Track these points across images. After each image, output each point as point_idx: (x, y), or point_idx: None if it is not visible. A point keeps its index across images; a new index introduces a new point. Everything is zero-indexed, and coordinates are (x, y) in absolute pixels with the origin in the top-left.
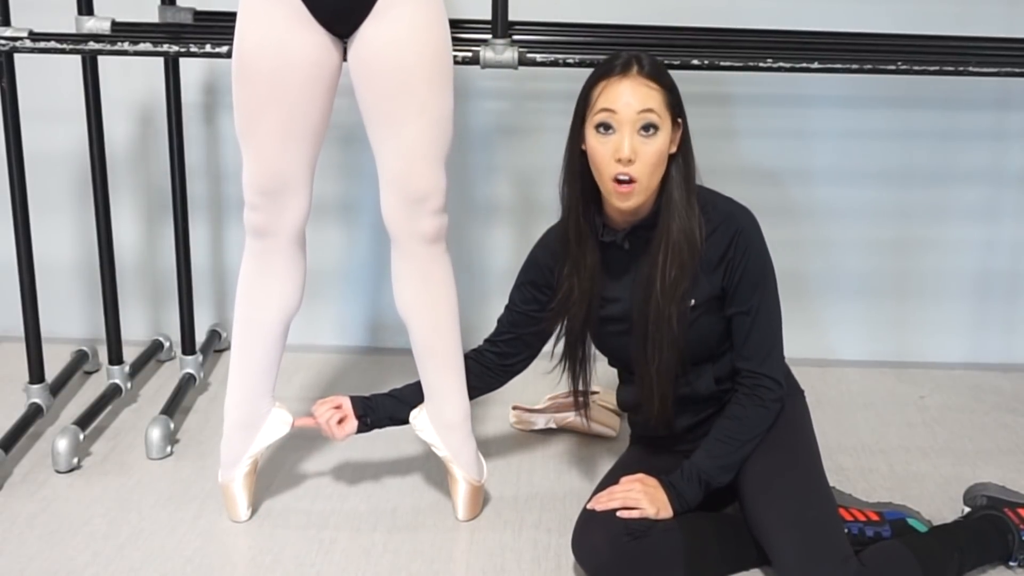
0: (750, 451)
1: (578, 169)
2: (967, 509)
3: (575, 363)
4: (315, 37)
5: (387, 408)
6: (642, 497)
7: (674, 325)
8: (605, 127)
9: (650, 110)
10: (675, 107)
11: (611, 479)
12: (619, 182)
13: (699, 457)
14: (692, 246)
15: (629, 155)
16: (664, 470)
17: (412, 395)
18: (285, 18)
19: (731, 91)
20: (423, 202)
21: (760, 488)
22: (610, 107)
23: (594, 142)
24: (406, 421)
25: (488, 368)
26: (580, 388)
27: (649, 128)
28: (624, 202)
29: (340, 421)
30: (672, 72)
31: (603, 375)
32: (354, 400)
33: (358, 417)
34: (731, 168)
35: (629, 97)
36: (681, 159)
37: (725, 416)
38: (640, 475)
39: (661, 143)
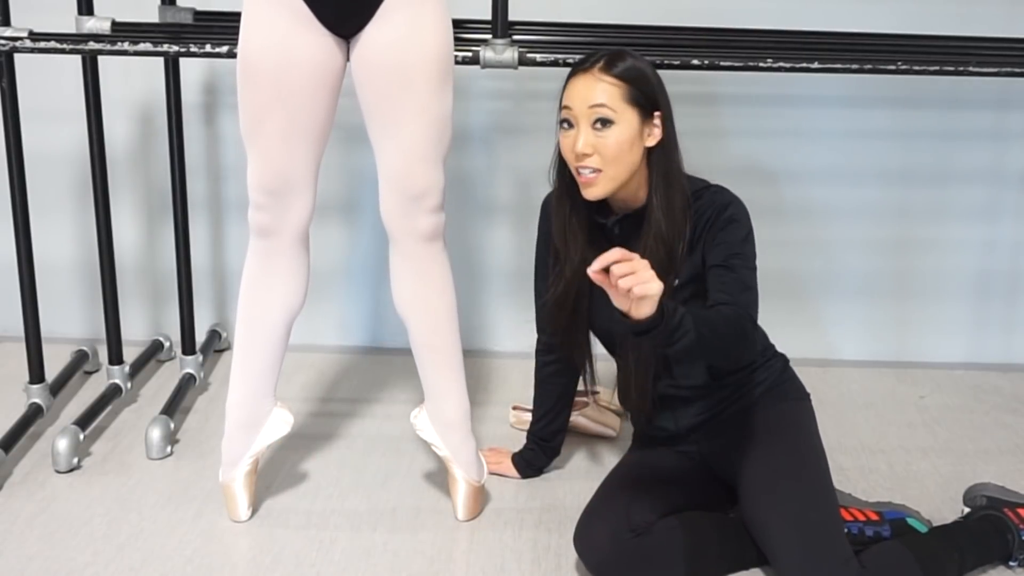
0: (719, 347)
1: (562, 164)
2: (967, 509)
3: (572, 348)
4: (318, 39)
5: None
6: (649, 273)
7: None
8: (567, 124)
9: (600, 105)
10: (643, 101)
11: (612, 479)
12: (582, 175)
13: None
14: (670, 246)
15: (583, 149)
16: (666, 470)
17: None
18: (288, 20)
19: (731, 91)
20: (420, 200)
21: (763, 489)
22: (567, 104)
23: (560, 138)
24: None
25: (560, 372)
26: (590, 373)
27: (599, 122)
28: (589, 193)
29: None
30: (672, 72)
31: (603, 375)
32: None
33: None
34: (730, 168)
35: (582, 93)
36: (661, 152)
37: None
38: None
39: (618, 135)
